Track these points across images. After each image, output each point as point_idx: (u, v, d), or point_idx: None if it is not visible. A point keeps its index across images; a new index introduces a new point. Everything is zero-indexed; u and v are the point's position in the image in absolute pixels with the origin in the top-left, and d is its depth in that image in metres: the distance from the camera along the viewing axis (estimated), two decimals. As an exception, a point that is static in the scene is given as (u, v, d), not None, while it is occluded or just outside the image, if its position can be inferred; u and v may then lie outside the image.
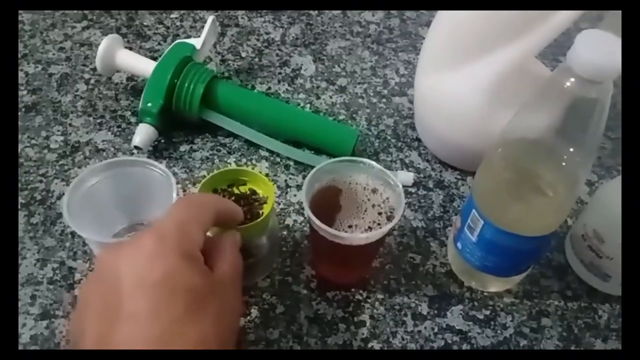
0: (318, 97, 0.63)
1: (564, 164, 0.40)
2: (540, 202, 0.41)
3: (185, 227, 0.33)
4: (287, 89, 0.63)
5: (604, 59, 0.33)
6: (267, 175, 0.55)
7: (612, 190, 0.47)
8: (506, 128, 0.40)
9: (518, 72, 0.50)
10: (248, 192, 0.45)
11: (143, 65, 0.56)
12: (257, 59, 0.66)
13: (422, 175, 0.57)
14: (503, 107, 0.49)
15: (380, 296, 0.48)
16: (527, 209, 0.41)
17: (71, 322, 0.33)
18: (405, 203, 0.54)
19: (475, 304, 0.48)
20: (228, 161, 0.55)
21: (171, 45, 0.57)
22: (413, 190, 0.56)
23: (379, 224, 0.43)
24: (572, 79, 0.35)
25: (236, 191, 0.44)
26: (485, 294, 0.48)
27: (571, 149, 0.39)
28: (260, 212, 0.43)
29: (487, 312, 0.47)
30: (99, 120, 0.58)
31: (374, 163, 0.45)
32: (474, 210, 0.44)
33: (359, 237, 0.42)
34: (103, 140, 0.56)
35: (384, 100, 0.64)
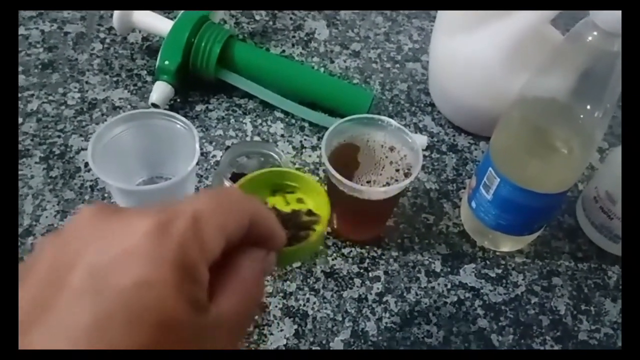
0: (332, 61, 0.63)
1: (580, 122, 0.41)
2: (556, 159, 0.42)
3: (201, 226, 0.22)
4: (301, 52, 0.63)
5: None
6: (282, 136, 0.55)
7: (625, 153, 0.48)
8: (525, 86, 0.41)
9: (533, 36, 0.50)
10: (296, 211, 0.34)
11: (160, 24, 0.56)
12: (271, 22, 0.66)
13: (435, 140, 0.57)
14: (517, 70, 0.50)
15: (394, 253, 0.48)
16: (543, 166, 0.42)
17: (20, 269, 0.22)
18: (419, 165, 0.55)
19: (488, 262, 0.49)
20: (244, 121, 0.56)
21: (187, 5, 0.57)
22: (427, 153, 0.56)
23: (396, 180, 0.44)
24: (595, 33, 0.35)
25: (283, 207, 0.33)
26: (497, 253, 0.49)
27: (588, 107, 0.39)
28: (309, 232, 0.32)
29: (499, 271, 0.48)
30: (115, 79, 0.58)
31: (392, 121, 0.46)
32: (490, 168, 0.44)
33: (377, 191, 0.43)
34: (120, 98, 0.56)
35: (397, 65, 0.64)
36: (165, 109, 0.55)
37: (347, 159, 0.45)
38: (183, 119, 0.43)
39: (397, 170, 0.45)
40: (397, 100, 0.60)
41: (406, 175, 0.44)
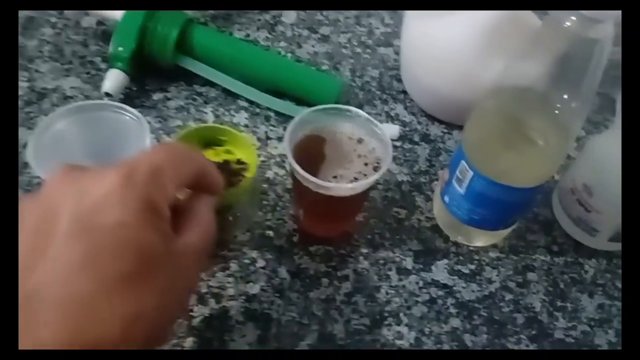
0: (299, 46, 0.60)
1: (557, 112, 0.39)
2: (532, 151, 0.40)
3: (159, 174, 0.27)
4: (266, 37, 0.60)
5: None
6: (246, 126, 0.52)
7: (602, 144, 0.46)
8: (499, 75, 0.38)
9: (510, 20, 0.48)
10: (226, 160, 0.40)
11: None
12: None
13: (407, 129, 0.55)
14: (493, 56, 0.47)
15: (364, 250, 0.46)
16: (518, 159, 0.40)
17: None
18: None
19: (461, 258, 0.47)
20: (204, 111, 0.52)
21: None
22: (398, 143, 0.54)
23: (365, 175, 0.42)
24: (573, 18, 0.33)
25: (214, 158, 0.39)
26: (471, 248, 0.47)
27: (565, 96, 0.37)
28: (241, 177, 0.39)
29: (473, 267, 0.46)
30: (66, 66, 0.54)
31: (360, 112, 0.43)
32: (463, 161, 0.42)
33: (344, 187, 0.40)
34: (71, 87, 0.53)
35: (368, 50, 0.61)
36: (120, 99, 0.52)
37: (312, 152, 0.42)
38: (133, 110, 0.39)
39: (366, 164, 0.42)
40: (368, 87, 0.58)
41: (375, 169, 0.42)
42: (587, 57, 0.34)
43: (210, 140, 0.41)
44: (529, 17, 0.53)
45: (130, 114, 0.39)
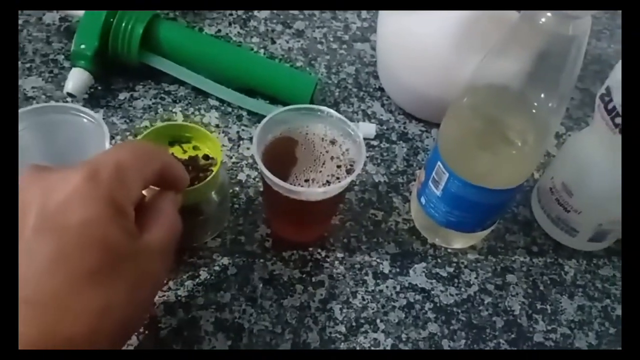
0: (273, 42, 0.58)
1: (534, 111, 0.37)
2: (508, 153, 0.38)
3: (123, 173, 0.28)
4: (238, 32, 0.58)
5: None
6: (217, 126, 0.50)
7: (581, 142, 0.45)
8: (473, 74, 0.37)
9: (487, 16, 0.47)
10: (193, 156, 0.40)
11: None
12: (206, -1, 0.60)
13: (384, 127, 0.53)
14: (471, 53, 0.46)
15: (340, 255, 0.45)
16: (495, 161, 0.39)
17: None
18: (367, 157, 0.51)
19: (439, 261, 0.45)
20: (173, 110, 0.50)
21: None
22: (375, 143, 0.52)
23: (337, 178, 0.40)
24: (548, 14, 0.31)
25: (180, 155, 0.39)
26: (449, 250, 0.46)
27: (542, 95, 0.36)
28: (208, 173, 0.38)
29: (451, 270, 0.45)
30: (28, 65, 0.52)
31: (332, 111, 0.41)
32: (439, 163, 0.40)
33: (316, 191, 0.39)
34: (33, 87, 0.50)
35: (344, 46, 0.59)
36: (84, 98, 0.50)
37: (283, 154, 0.41)
38: (92, 113, 0.37)
39: (339, 167, 0.41)
40: (344, 84, 0.56)
41: (349, 171, 0.40)
42: (563, 54, 0.33)
43: (176, 137, 0.40)
44: (507, 13, 0.52)
45: (90, 117, 0.37)
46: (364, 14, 0.62)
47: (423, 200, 0.44)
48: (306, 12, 0.61)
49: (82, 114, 0.38)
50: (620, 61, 0.41)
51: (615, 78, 0.40)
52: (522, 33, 0.34)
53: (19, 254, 0.25)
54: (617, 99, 0.39)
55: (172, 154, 0.39)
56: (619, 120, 0.38)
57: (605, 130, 0.40)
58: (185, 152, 0.39)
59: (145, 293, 0.29)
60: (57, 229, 0.25)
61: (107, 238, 0.26)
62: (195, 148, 0.40)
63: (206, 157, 0.40)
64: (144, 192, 0.32)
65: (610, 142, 0.40)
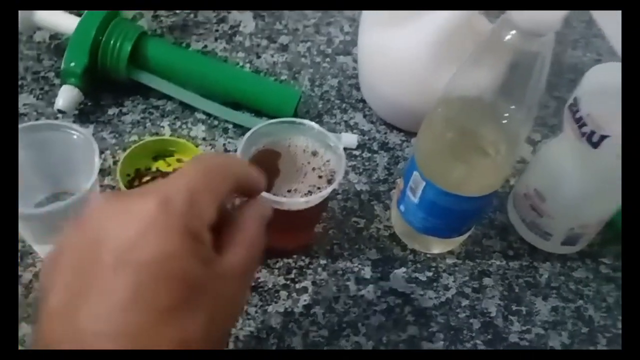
0: (258, 56, 0.60)
1: (505, 122, 0.39)
2: (481, 162, 0.40)
3: (196, 198, 0.27)
4: (224, 47, 0.60)
5: (545, 11, 0.32)
6: (204, 139, 0.52)
7: (553, 149, 0.47)
8: (447, 86, 0.39)
9: (463, 28, 0.49)
10: (177, 169, 0.41)
11: (65, 21, 0.52)
12: (192, 15, 0.62)
13: (366, 138, 0.55)
14: (448, 65, 0.47)
15: (323, 262, 0.46)
16: (468, 169, 0.41)
17: (46, 261, 0.27)
18: (349, 166, 0.53)
19: (418, 266, 0.47)
20: (161, 125, 0.52)
21: None
22: (357, 153, 0.54)
23: (319, 188, 0.42)
24: (513, 32, 0.33)
25: (165, 168, 0.41)
26: (428, 255, 0.48)
27: (512, 107, 0.38)
28: None
29: (430, 274, 0.47)
30: (19, 82, 0.53)
31: (314, 124, 0.43)
32: (415, 172, 0.42)
33: (298, 201, 0.40)
34: (24, 104, 0.52)
35: (327, 59, 0.61)
36: (74, 114, 0.51)
37: (267, 166, 0.42)
38: (81, 129, 0.39)
39: (320, 177, 0.43)
40: (327, 96, 0.58)
41: (329, 181, 0.42)
42: (528, 69, 0.35)
43: (160, 151, 0.41)
44: (482, 26, 0.54)
45: (79, 133, 0.39)
46: (347, 27, 0.64)
47: (402, 207, 0.46)
48: (290, 27, 0.63)
49: (71, 131, 0.39)
50: (588, 72, 0.43)
51: (583, 89, 0.42)
52: (491, 48, 0.36)
53: (96, 291, 0.25)
54: (584, 110, 0.41)
55: (158, 168, 0.40)
56: (585, 129, 0.40)
57: (574, 139, 0.42)
58: (169, 165, 0.41)
59: (223, 321, 0.28)
60: (133, 266, 0.25)
61: (183, 271, 0.25)
62: (179, 161, 0.41)
63: None
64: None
65: (579, 151, 0.42)
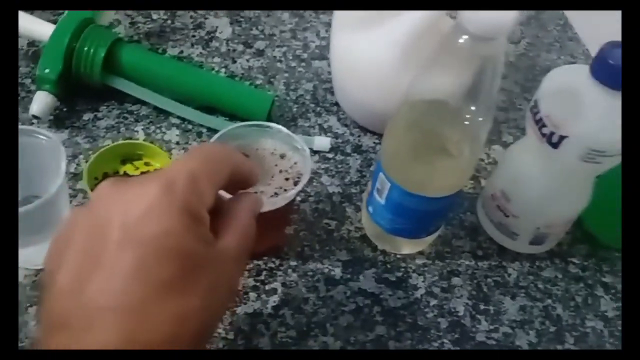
0: (234, 61, 0.61)
1: (467, 123, 0.40)
2: (443, 162, 0.41)
3: (197, 181, 0.29)
4: (200, 53, 0.61)
5: (494, 15, 0.33)
6: (177, 143, 0.53)
7: (516, 151, 0.48)
8: (408, 89, 0.40)
9: (430, 30, 0.49)
10: (145, 172, 0.42)
11: (40, 28, 0.52)
12: (169, 21, 0.63)
13: (340, 141, 0.56)
14: (417, 67, 0.48)
15: (293, 263, 0.47)
16: (431, 170, 0.41)
17: (53, 243, 0.29)
18: (322, 169, 0.54)
19: (388, 266, 0.48)
20: (135, 129, 0.53)
21: (71, 7, 0.53)
22: (330, 155, 0.55)
23: (285, 190, 0.42)
24: (465, 36, 0.34)
25: (132, 172, 0.41)
26: (398, 256, 0.49)
27: (472, 108, 0.39)
28: None
29: (399, 274, 0.48)
30: (-5, 89, 0.54)
31: (281, 127, 0.44)
32: (381, 173, 0.43)
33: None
34: None
35: (303, 64, 0.62)
36: (49, 120, 0.52)
37: (234, 169, 0.43)
38: (48, 133, 0.40)
39: (287, 179, 0.43)
40: (302, 100, 0.59)
41: (296, 183, 0.43)
42: (482, 71, 0.36)
43: (127, 155, 0.42)
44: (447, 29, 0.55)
45: (45, 136, 0.40)
46: (323, 32, 0.65)
47: (371, 209, 0.47)
48: (267, 32, 0.64)
49: (40, 135, 0.40)
50: (548, 74, 0.43)
51: (542, 91, 0.42)
52: (446, 51, 0.37)
53: (103, 266, 0.26)
54: (543, 111, 0.41)
55: (125, 172, 0.41)
56: (545, 130, 0.41)
57: (535, 140, 0.43)
58: (137, 168, 0.42)
59: (221, 299, 0.30)
60: (138, 241, 0.27)
61: (184, 247, 0.27)
62: (147, 164, 0.42)
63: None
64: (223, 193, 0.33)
65: (540, 152, 0.43)
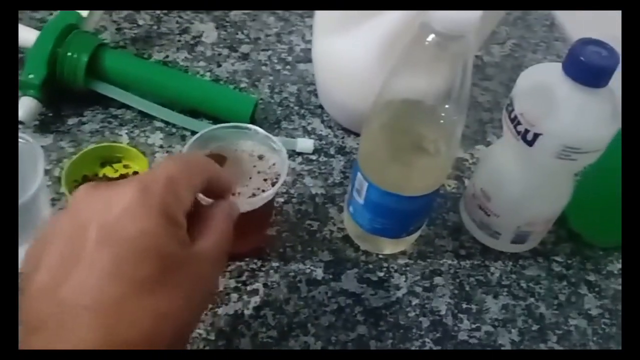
0: (219, 65, 0.61)
1: (442, 121, 0.40)
2: (420, 161, 0.41)
3: (174, 185, 0.30)
4: (186, 57, 0.61)
5: (459, 13, 0.33)
6: (161, 146, 0.53)
7: (495, 150, 0.48)
8: (381, 89, 0.40)
9: (409, 31, 0.49)
10: (124, 174, 0.42)
11: (24, 35, 0.53)
12: (155, 27, 0.64)
13: (323, 142, 0.56)
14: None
15: (275, 264, 0.47)
16: (407, 169, 0.41)
17: (32, 247, 0.29)
18: (306, 170, 0.54)
19: (370, 266, 0.48)
20: (120, 133, 0.53)
21: (55, 14, 0.54)
22: (314, 157, 0.55)
23: (263, 190, 0.43)
24: (432, 35, 0.34)
25: (112, 174, 0.42)
26: (380, 256, 0.49)
27: (446, 106, 0.39)
28: None
29: (381, 274, 0.48)
30: (-18, 95, 0.55)
31: (258, 129, 0.44)
32: (359, 173, 0.43)
33: (239, 203, 0.41)
34: (-14, 116, 0.53)
35: (288, 67, 0.62)
36: (34, 125, 0.53)
37: (213, 170, 0.43)
38: (25, 136, 0.40)
39: (265, 180, 0.43)
40: (287, 103, 0.59)
41: (274, 184, 0.43)
42: (452, 70, 0.36)
43: (106, 158, 0.43)
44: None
45: (23, 139, 0.40)
46: (308, 36, 0.66)
47: (351, 209, 0.47)
48: (252, 36, 0.65)
49: (20, 139, 0.40)
50: (522, 73, 0.44)
51: (517, 89, 0.43)
52: (415, 51, 0.37)
53: (80, 265, 0.27)
54: (517, 109, 0.42)
55: (105, 174, 0.41)
56: (520, 128, 0.41)
57: (512, 138, 0.43)
58: (116, 171, 0.42)
59: (199, 299, 0.31)
60: (116, 241, 0.27)
61: (161, 247, 0.28)
62: (125, 167, 0.43)
63: (136, 173, 0.43)
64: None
65: (516, 150, 0.43)
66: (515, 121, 0.41)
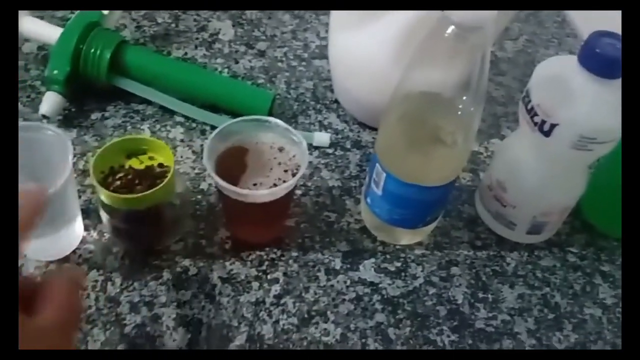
0: (236, 62, 0.62)
1: (459, 113, 0.41)
2: (437, 152, 0.42)
3: None
4: (204, 54, 0.62)
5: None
6: (182, 140, 0.54)
7: (511, 142, 0.49)
8: (399, 81, 0.41)
9: (425, 25, 0.50)
10: (150, 166, 0.43)
11: (49, 32, 0.54)
12: (173, 25, 0.65)
13: (339, 136, 0.57)
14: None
15: (294, 254, 0.48)
16: (425, 160, 0.42)
17: None
18: (323, 164, 0.55)
19: (387, 256, 0.49)
20: (141, 128, 0.55)
21: (77, 12, 0.55)
22: (330, 151, 0.56)
23: (284, 181, 0.44)
24: (452, 27, 0.35)
25: (137, 166, 0.43)
26: (397, 247, 0.50)
27: (464, 98, 0.40)
28: (164, 179, 0.42)
29: (399, 264, 0.49)
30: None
31: (279, 121, 0.45)
32: (377, 164, 0.44)
33: (261, 193, 0.42)
34: (11, 112, 0.54)
35: (303, 63, 0.63)
36: (58, 119, 0.54)
37: (234, 162, 0.45)
38: (53, 128, 0.41)
39: (286, 171, 0.44)
40: (303, 98, 0.60)
41: (294, 175, 0.44)
42: (470, 62, 0.37)
43: (132, 150, 0.44)
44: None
45: (53, 131, 0.41)
46: (323, 32, 0.67)
47: (369, 200, 0.48)
48: (268, 33, 0.66)
49: (48, 131, 0.41)
50: (539, 65, 0.44)
51: (533, 81, 0.43)
52: (434, 44, 0.38)
53: None
54: (534, 100, 0.42)
55: (131, 166, 0.43)
56: (537, 119, 0.42)
57: (528, 129, 0.44)
58: (142, 162, 0.43)
59: None
60: None
61: None
62: (151, 158, 0.44)
63: (161, 165, 0.44)
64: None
65: (533, 140, 0.44)
66: (532, 112, 0.42)
